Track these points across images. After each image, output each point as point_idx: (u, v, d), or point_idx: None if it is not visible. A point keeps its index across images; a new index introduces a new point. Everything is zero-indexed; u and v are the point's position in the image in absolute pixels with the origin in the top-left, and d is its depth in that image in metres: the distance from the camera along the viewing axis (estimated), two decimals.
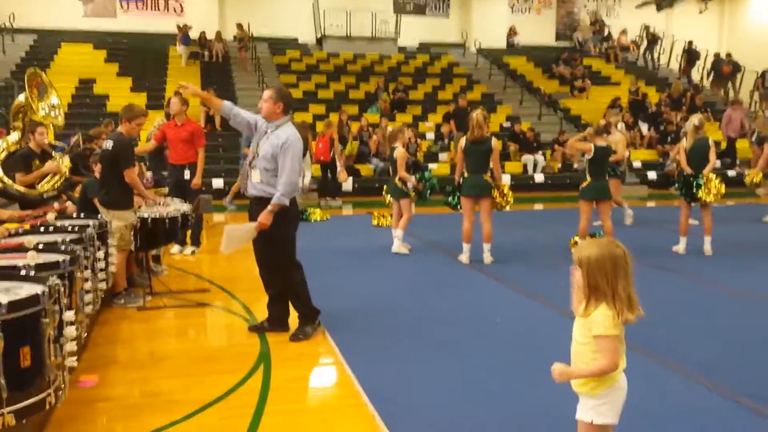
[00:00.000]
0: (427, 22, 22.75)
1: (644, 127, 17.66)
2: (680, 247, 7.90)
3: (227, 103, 4.91)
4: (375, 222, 10.12)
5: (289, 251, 4.83)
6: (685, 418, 3.51)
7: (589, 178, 7.77)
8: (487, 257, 7.26)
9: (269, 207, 4.57)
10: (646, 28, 23.00)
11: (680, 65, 22.12)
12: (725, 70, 20.98)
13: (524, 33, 23.27)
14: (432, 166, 13.57)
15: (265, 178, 4.65)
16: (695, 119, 7.84)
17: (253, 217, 4.74)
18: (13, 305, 2.39)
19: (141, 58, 18.38)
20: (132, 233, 5.42)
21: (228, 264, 7.54)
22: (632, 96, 18.57)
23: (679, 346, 4.58)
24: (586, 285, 2.44)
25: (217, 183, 12.94)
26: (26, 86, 6.17)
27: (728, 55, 21.47)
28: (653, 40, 22.54)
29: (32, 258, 3.18)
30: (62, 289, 2.75)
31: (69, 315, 2.77)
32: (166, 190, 7.36)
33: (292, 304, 4.91)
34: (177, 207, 5.78)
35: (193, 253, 7.78)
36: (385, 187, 8.33)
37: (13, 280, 2.79)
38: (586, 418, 2.50)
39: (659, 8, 22.30)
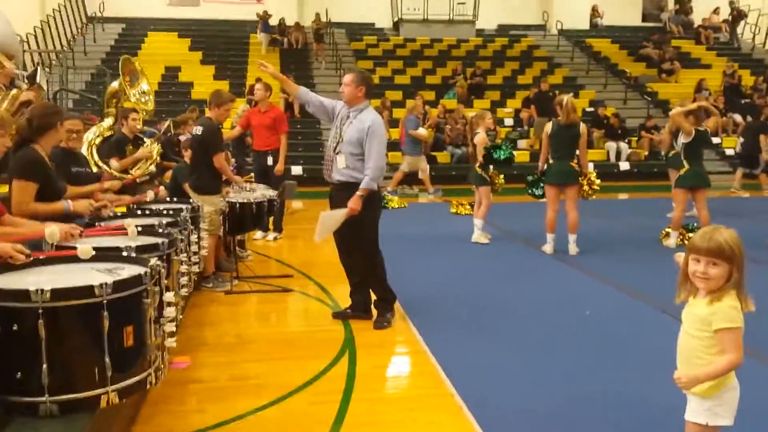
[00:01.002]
0: (506, 3, 22.21)
1: (737, 117, 16.64)
2: None
3: (303, 89, 4.95)
4: (453, 210, 10.00)
5: (374, 237, 4.83)
6: None
7: (686, 165, 7.39)
8: (573, 248, 7.03)
9: (359, 192, 4.57)
10: (730, 3, 21.68)
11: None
12: None
13: (608, 13, 22.41)
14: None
15: (351, 163, 4.64)
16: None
17: (337, 204, 4.73)
18: (119, 285, 2.45)
19: (223, 46, 18.84)
20: (221, 218, 5.54)
21: (309, 250, 7.63)
22: (728, 79, 17.56)
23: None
24: (738, 274, 2.26)
25: (297, 170, 13.11)
26: (120, 73, 6.39)
27: None
28: (738, 15, 21.20)
29: (132, 239, 3.28)
30: (162, 270, 2.80)
31: (169, 296, 2.83)
32: (252, 176, 7.49)
33: (373, 289, 4.90)
34: (263, 192, 5.87)
35: (275, 239, 7.90)
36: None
37: (114, 262, 2.87)
38: (700, 420, 2.36)
39: None
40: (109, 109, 6.61)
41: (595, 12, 22.35)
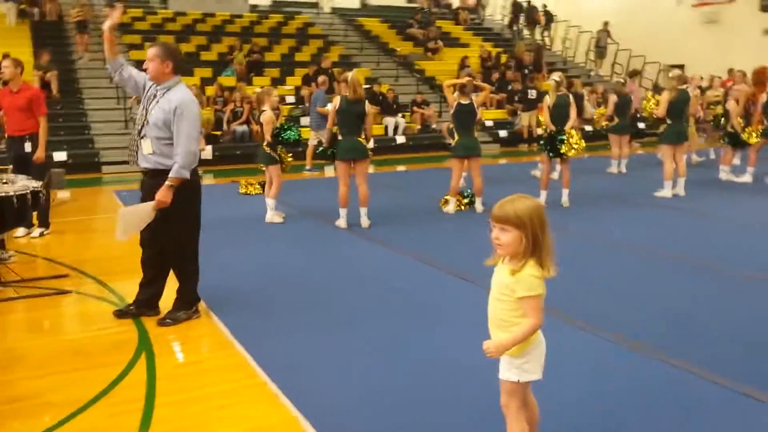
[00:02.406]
0: None
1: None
2: (541, 200, 8.31)
3: (120, 57, 4.36)
4: (242, 190, 9.70)
5: (191, 231, 4.41)
6: (574, 361, 3.66)
7: (457, 136, 7.92)
8: (365, 221, 7.19)
9: (168, 181, 4.12)
10: None
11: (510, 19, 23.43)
12: (538, 18, 22.55)
13: None
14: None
15: (158, 148, 4.17)
16: (556, 76, 8.19)
17: (148, 193, 4.25)
18: None
19: None
20: None
21: (82, 245, 6.90)
22: (484, 61, 19.25)
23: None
24: (527, 242, 2.34)
25: (60, 156, 11.74)
26: None
27: (544, 5, 23.08)
28: (517, 7, 23.38)
29: None
30: None
31: None
32: (8, 166, 6.52)
33: (181, 287, 4.49)
34: (25, 184, 5.11)
35: (41, 234, 7.00)
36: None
37: None
38: (513, 378, 2.48)
39: None
40: None
41: None
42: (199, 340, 4.22)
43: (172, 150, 4.16)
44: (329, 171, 11.89)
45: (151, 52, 4.20)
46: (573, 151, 7.95)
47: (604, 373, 3.57)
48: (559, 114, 8.06)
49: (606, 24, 21.64)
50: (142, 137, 4.22)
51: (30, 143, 6.83)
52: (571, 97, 8.31)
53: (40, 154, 6.81)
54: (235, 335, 4.16)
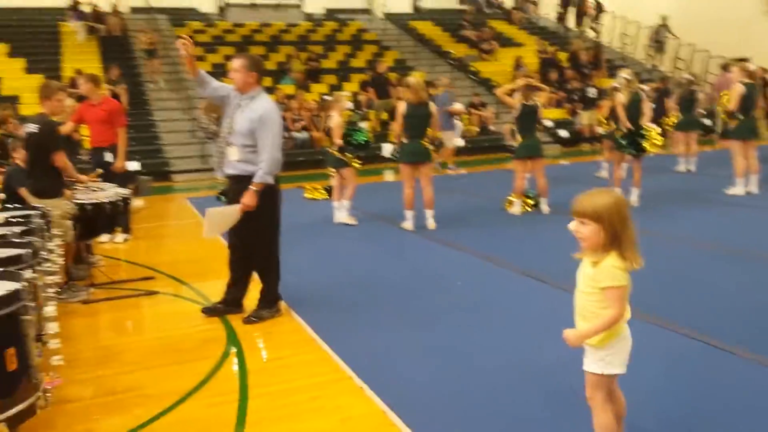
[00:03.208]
0: None
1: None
2: None
3: (202, 71, 4.60)
4: (308, 195, 9.94)
5: (273, 234, 4.64)
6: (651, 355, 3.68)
7: (520, 137, 7.95)
8: (431, 223, 7.30)
9: (252, 186, 4.35)
10: None
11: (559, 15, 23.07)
12: (588, 9, 22.12)
13: None
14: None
15: (244, 155, 4.40)
16: (625, 74, 8.14)
17: (234, 199, 4.50)
18: None
19: (32, 36, 17.04)
20: (70, 222, 5.04)
21: (162, 249, 7.23)
22: (541, 55, 19.08)
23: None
24: (606, 235, 2.42)
25: (133, 165, 12.23)
26: None
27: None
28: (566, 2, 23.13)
29: None
30: (38, 284, 2.51)
31: (50, 310, 2.54)
32: (98, 174, 6.89)
33: (264, 287, 4.72)
34: (115, 191, 5.42)
35: (125, 240, 7.37)
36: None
37: None
38: (596, 370, 2.54)
39: None
40: None
41: None
42: (283, 337, 4.40)
43: (256, 157, 4.36)
44: (389, 175, 12.06)
45: (236, 63, 4.41)
46: (655, 147, 7.90)
47: (682, 368, 3.58)
48: (633, 111, 8.00)
49: (664, 18, 21.17)
50: (229, 145, 4.43)
51: (111, 153, 7.21)
52: (642, 93, 8.23)
53: (119, 163, 7.19)
54: (317, 332, 4.33)
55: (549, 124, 16.58)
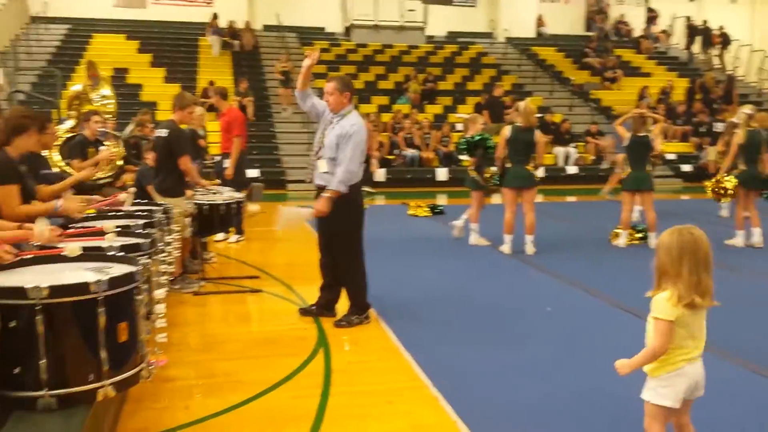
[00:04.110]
0: (455, 11, 22.61)
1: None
2: (738, 240, 7.81)
3: (309, 89, 4.94)
4: (411, 212, 10.17)
5: (350, 241, 4.90)
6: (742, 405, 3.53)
7: (629, 169, 7.77)
8: (530, 248, 7.28)
9: (325, 193, 4.66)
10: (687, 18, 22.70)
11: (705, 51, 21.95)
12: (714, 40, 21.11)
13: (553, 22, 23.08)
14: (462, 157, 13.54)
15: (331, 167, 4.72)
16: (747, 109, 7.75)
17: None
18: (113, 282, 2.50)
19: (173, 48, 18.57)
20: (188, 219, 5.54)
21: (270, 251, 7.68)
22: (664, 93, 18.42)
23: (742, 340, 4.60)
24: (655, 268, 2.55)
25: (253, 173, 13.07)
26: (86, 76, 6.32)
27: (721, 27, 21.60)
28: (693, 30, 22.21)
29: (111, 239, 3.30)
30: (151, 269, 2.85)
31: (159, 293, 2.88)
32: (217, 180, 7.52)
33: (348, 293, 4.98)
34: (230, 194, 5.90)
35: (237, 241, 7.91)
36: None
37: (101, 261, 2.90)
38: (647, 397, 2.61)
39: None
40: (70, 112, 6.51)
41: (540, 21, 23.00)
42: (369, 343, 4.60)
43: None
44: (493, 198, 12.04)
45: (331, 86, 4.74)
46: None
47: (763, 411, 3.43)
48: (751, 151, 7.60)
49: None
50: (319, 158, 4.76)
51: (228, 160, 7.81)
52: (765, 132, 7.77)
53: (229, 170, 7.77)
54: (402, 341, 4.49)
55: (671, 157, 15.93)
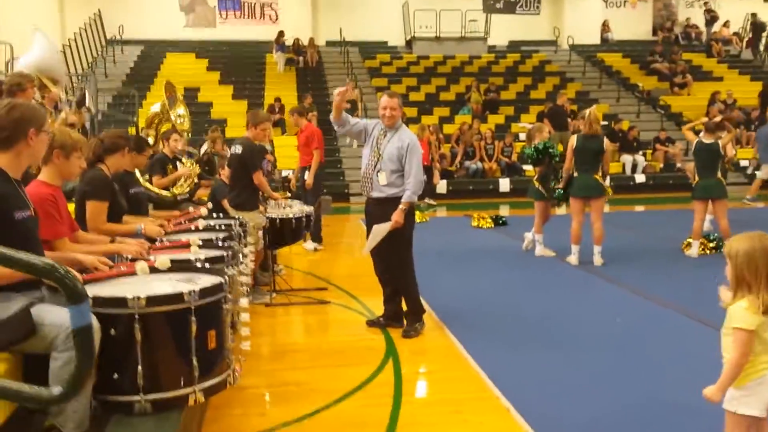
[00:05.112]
0: (517, 20, 22.38)
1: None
2: None
3: (343, 116, 5.10)
4: (474, 223, 10.18)
5: (409, 250, 5.04)
6: None
7: (698, 177, 7.59)
8: (598, 259, 7.19)
9: (401, 205, 4.80)
10: (753, 15, 21.88)
11: None
12: None
13: (619, 28, 22.63)
14: (527, 167, 13.46)
15: (392, 179, 4.88)
16: None
17: (375, 218, 4.96)
18: (204, 292, 2.67)
19: (240, 66, 19.18)
20: (260, 233, 5.75)
21: (336, 263, 7.85)
22: (725, 104, 17.75)
23: None
24: (733, 277, 2.51)
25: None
26: (164, 96, 6.67)
27: None
28: (759, 28, 21.38)
29: (195, 252, 3.49)
30: (236, 279, 3.01)
31: (244, 302, 3.04)
32: (287, 194, 7.85)
33: (406, 300, 5.09)
34: (300, 208, 6.10)
35: (315, 249, 8.24)
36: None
37: (189, 272, 3.08)
38: (730, 408, 2.57)
39: None
40: (149, 130, 6.87)
41: (605, 27, 22.60)
42: (436, 352, 4.68)
43: (401, 180, 4.85)
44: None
45: (395, 101, 4.95)
46: None
47: None
48: None
49: None
50: (378, 171, 4.90)
51: (308, 172, 8.15)
52: None
53: (308, 181, 8.07)
54: (470, 351, 4.54)
55: (744, 163, 15.37)
